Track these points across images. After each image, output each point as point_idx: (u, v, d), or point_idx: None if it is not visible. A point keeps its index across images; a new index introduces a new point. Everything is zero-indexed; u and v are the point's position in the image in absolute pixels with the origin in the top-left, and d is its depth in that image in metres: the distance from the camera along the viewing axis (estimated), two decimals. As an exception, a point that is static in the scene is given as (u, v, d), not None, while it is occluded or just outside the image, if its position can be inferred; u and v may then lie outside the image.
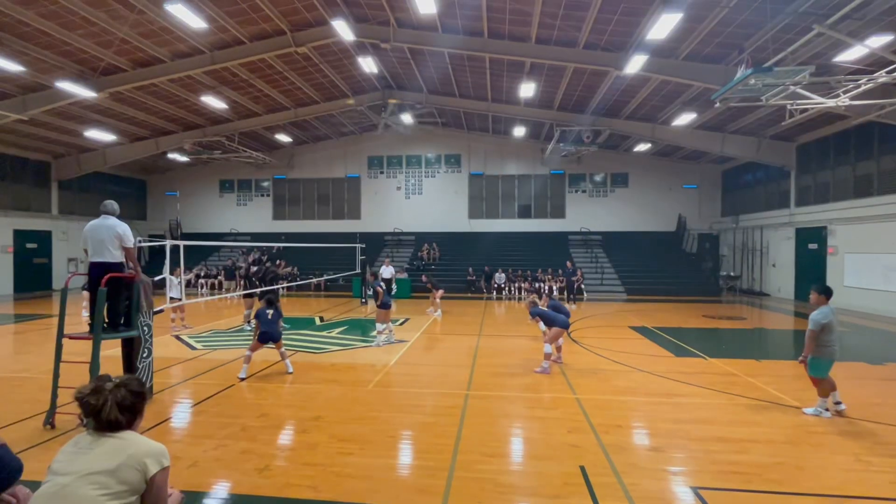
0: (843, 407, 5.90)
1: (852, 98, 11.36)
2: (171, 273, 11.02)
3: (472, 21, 14.15)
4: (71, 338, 5.97)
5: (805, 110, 12.59)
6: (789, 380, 7.61)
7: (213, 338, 11.04)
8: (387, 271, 18.40)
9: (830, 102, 11.47)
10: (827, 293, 5.96)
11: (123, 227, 5.89)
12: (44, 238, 22.74)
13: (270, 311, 7.90)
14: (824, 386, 5.87)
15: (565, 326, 8.19)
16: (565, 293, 19.59)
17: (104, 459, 1.93)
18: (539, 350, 9.88)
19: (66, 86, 14.82)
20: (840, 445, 5.05)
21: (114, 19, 12.84)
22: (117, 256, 5.88)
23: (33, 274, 22.01)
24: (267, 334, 7.71)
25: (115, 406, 2.02)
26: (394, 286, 18.28)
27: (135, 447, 2.00)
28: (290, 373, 7.83)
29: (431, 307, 15.31)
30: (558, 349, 8.61)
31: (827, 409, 5.87)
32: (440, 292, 15.34)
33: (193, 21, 12.39)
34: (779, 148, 19.48)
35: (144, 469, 1.96)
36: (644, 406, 6.34)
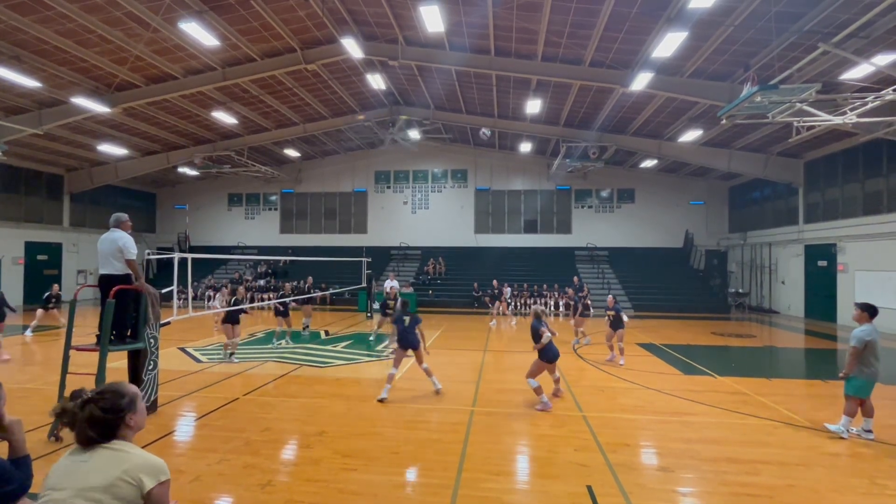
0: (871, 437, 5.70)
1: (859, 115, 11.34)
2: (235, 293, 10.63)
3: (478, 39, 14.35)
4: (78, 349, 6.00)
5: (812, 127, 12.58)
6: (801, 399, 7.48)
7: (219, 351, 11.03)
8: (389, 285, 18.44)
9: (837, 120, 11.45)
10: (870, 311, 5.78)
11: (125, 240, 5.94)
12: (54, 250, 23.01)
13: (407, 318, 7.66)
14: (852, 406, 5.69)
15: (553, 360, 7.01)
16: (571, 309, 19.44)
17: (99, 474, 1.86)
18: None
19: (81, 101, 15.14)
20: (855, 468, 4.93)
21: (129, 37, 13.16)
22: (120, 268, 5.93)
23: (43, 285, 22.16)
24: (406, 340, 7.53)
25: (86, 423, 1.92)
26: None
27: (130, 461, 1.91)
28: (438, 389, 7.53)
29: (494, 320, 17.23)
30: (556, 381, 7.45)
31: (848, 430, 5.69)
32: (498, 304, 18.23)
33: (206, 39, 12.66)
34: (786, 164, 19.42)
35: (140, 485, 1.87)
36: (652, 425, 6.23)
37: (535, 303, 20.48)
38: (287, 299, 12.68)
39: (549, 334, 6.84)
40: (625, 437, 5.75)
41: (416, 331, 7.63)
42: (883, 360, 5.81)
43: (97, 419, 1.93)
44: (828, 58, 11.03)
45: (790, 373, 10.14)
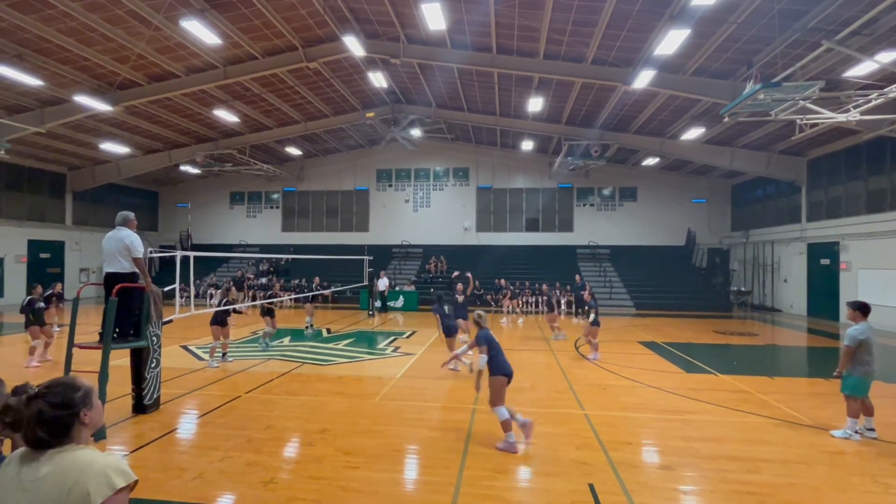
0: (874, 434, 5.68)
1: (863, 113, 11.31)
2: (227, 293, 10.05)
3: (480, 37, 14.32)
4: (81, 347, 6.02)
5: (815, 125, 12.54)
6: (803, 398, 7.47)
7: (221, 348, 11.04)
8: (381, 283, 18.54)
9: (840, 117, 11.41)
10: (863, 309, 5.76)
11: (132, 238, 5.97)
12: (57, 248, 23.08)
13: (447, 307, 9.33)
14: (854, 406, 5.65)
15: (509, 374, 5.50)
16: (573, 307, 19.46)
17: (51, 491, 1.57)
18: (551, 366, 9.81)
19: (83, 100, 15.17)
20: (856, 466, 4.93)
21: (131, 35, 13.18)
22: (126, 266, 5.96)
23: (46, 284, 22.23)
24: (451, 328, 9.17)
25: (34, 422, 1.63)
26: (398, 297, 18.42)
27: (77, 473, 1.58)
28: (467, 366, 8.76)
29: (522, 318, 17.43)
30: (524, 428, 5.39)
31: (856, 432, 5.65)
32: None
33: (208, 37, 12.66)
34: (789, 163, 19.36)
35: (87, 499, 1.54)
36: (654, 423, 6.23)
37: (535, 301, 20.46)
38: (275, 299, 12.48)
39: (485, 355, 5.51)
40: (626, 435, 5.75)
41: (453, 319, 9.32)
42: (881, 357, 5.78)
43: (47, 417, 1.64)
44: (831, 55, 10.98)
45: (792, 371, 10.13)
